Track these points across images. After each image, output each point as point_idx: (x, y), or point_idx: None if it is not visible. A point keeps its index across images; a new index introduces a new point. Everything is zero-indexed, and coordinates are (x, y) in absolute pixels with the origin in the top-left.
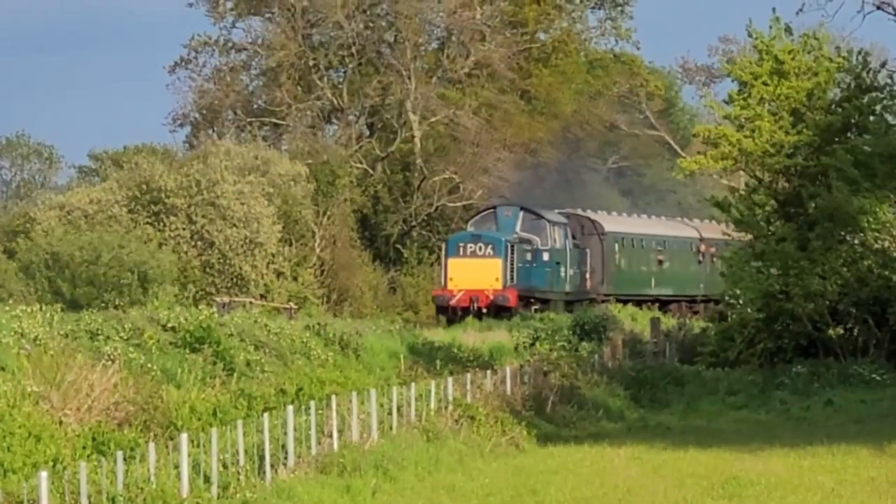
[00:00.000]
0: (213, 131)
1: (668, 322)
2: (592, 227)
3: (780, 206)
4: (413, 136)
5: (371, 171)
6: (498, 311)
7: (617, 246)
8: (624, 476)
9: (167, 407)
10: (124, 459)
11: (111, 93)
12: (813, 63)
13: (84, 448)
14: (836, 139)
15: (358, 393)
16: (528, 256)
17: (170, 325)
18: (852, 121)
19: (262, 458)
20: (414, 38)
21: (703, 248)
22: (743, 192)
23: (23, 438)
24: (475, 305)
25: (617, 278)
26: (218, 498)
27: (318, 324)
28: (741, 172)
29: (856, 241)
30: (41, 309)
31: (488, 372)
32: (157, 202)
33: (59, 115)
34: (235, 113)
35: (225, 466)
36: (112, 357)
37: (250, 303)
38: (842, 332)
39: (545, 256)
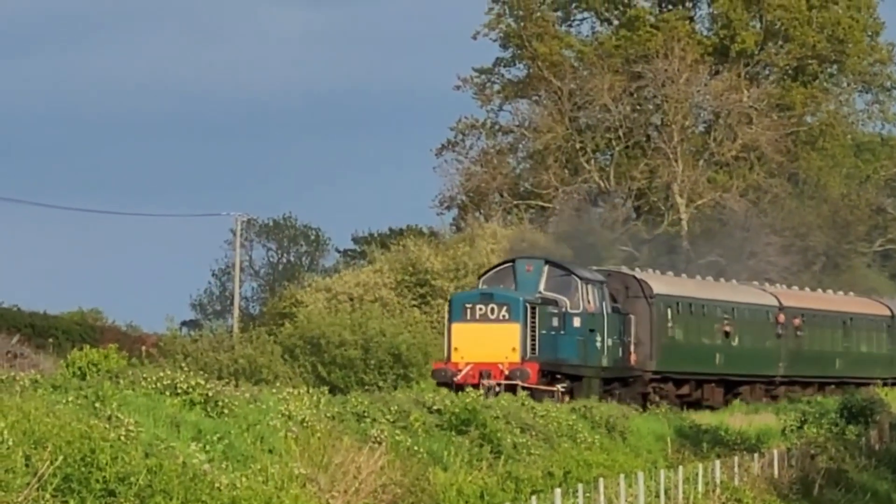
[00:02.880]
0: (480, 213)
1: None
2: (639, 289)
3: None
4: (680, 219)
5: (637, 254)
6: (515, 389)
7: (670, 312)
8: None
9: (434, 489)
10: None
11: (375, 175)
12: None
13: None
14: None
15: (626, 476)
16: (554, 322)
17: (435, 407)
18: None
19: None
20: (681, 121)
21: (782, 318)
22: None
23: None
24: (487, 381)
25: (670, 352)
26: None
27: (585, 406)
28: None
29: None
30: (308, 391)
31: (755, 455)
32: (424, 284)
33: (324, 197)
34: (502, 195)
35: None
36: (379, 439)
37: (521, 386)
38: None
39: (576, 322)
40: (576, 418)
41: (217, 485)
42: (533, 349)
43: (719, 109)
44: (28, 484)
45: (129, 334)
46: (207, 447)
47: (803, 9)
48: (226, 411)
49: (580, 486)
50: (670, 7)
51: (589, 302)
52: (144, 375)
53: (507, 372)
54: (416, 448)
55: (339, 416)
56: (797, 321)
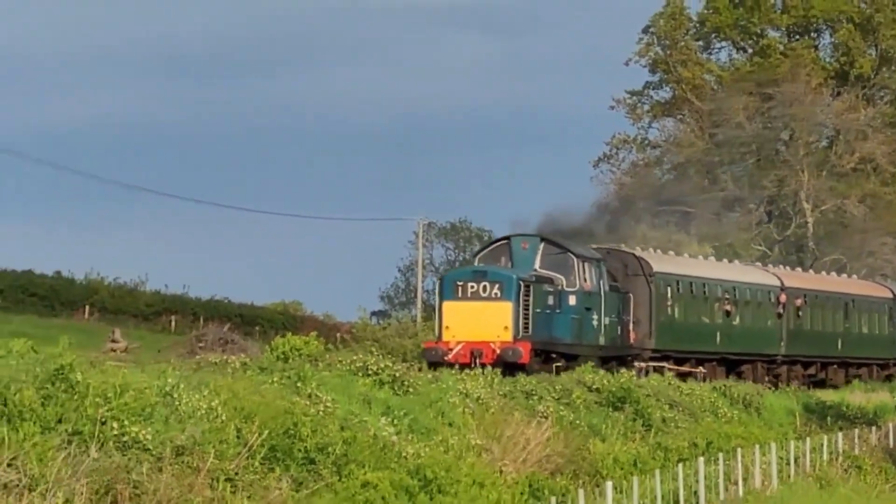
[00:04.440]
0: (630, 218)
1: None
2: (638, 267)
3: None
4: (806, 223)
5: (769, 253)
6: (507, 368)
7: (669, 291)
8: None
9: (593, 458)
10: None
11: (541, 184)
12: None
13: (522, 494)
14: None
15: (760, 446)
16: (550, 300)
17: (594, 386)
18: None
19: (676, 502)
20: (806, 137)
21: (783, 298)
22: None
23: (468, 485)
24: (477, 362)
25: (669, 331)
26: None
27: (724, 385)
28: None
29: None
30: (483, 372)
31: (873, 428)
32: None
33: (496, 203)
34: (649, 202)
35: None
36: (545, 414)
37: (668, 369)
38: None
39: (571, 300)
40: (717, 396)
41: (403, 454)
42: (526, 328)
43: (840, 127)
44: (239, 453)
45: (326, 323)
46: (395, 421)
47: None
48: (411, 390)
49: (720, 455)
50: (797, 37)
51: (586, 280)
52: (339, 359)
53: (498, 351)
54: (577, 422)
55: (510, 394)
56: (799, 301)
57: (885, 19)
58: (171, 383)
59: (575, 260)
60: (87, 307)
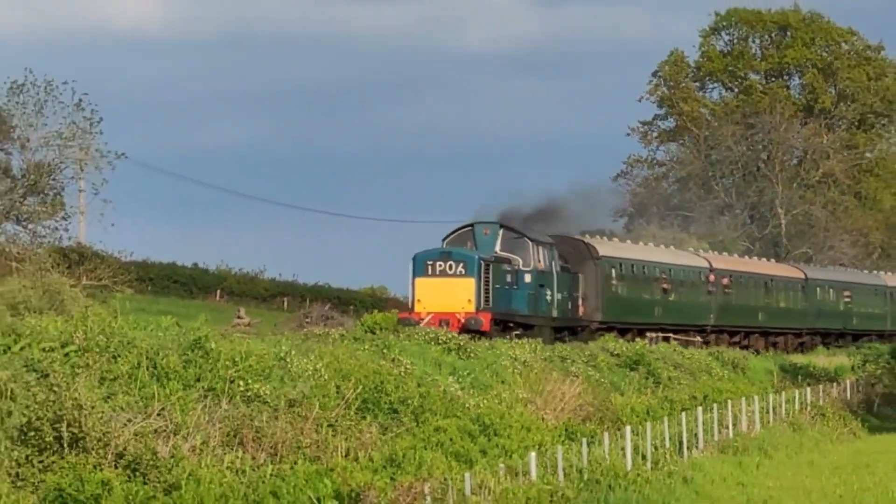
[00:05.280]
0: (643, 221)
1: None
2: (586, 251)
3: None
4: (780, 224)
5: (752, 247)
6: (471, 336)
7: (614, 272)
8: None
9: (615, 408)
10: (587, 444)
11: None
12: None
13: (559, 436)
14: None
15: (745, 398)
16: (508, 278)
17: (615, 352)
18: None
19: (681, 443)
20: (781, 156)
21: (712, 277)
22: None
23: (517, 430)
24: (445, 330)
25: (615, 305)
26: (651, 470)
27: (717, 351)
28: None
29: None
30: (527, 341)
31: (834, 384)
32: None
33: None
34: (657, 208)
35: (656, 448)
36: (576, 374)
37: (672, 339)
38: None
39: (527, 278)
40: (711, 359)
41: (467, 405)
42: (487, 301)
43: (807, 149)
44: (338, 405)
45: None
46: (460, 379)
47: (865, 79)
48: (472, 355)
49: (715, 406)
50: (773, 79)
51: (540, 261)
52: (416, 331)
53: (463, 320)
54: (602, 380)
55: (549, 358)
56: (726, 280)
57: (842, 65)
58: (284, 350)
59: (530, 244)
60: (219, 291)
